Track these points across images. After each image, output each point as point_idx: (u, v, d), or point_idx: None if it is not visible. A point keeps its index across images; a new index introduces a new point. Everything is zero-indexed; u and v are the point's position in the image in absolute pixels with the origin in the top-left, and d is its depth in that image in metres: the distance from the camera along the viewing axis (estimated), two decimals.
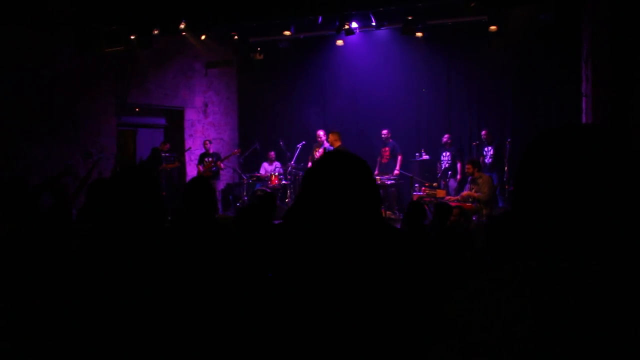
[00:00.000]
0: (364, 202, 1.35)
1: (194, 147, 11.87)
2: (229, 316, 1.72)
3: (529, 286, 0.89)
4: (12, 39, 8.51)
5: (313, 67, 12.01)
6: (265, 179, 10.70)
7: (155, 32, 9.36)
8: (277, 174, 10.57)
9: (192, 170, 11.75)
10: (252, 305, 1.59)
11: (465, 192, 8.48)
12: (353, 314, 1.26)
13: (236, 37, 10.83)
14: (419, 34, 10.03)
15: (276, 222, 4.43)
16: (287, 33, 10.42)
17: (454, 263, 3.47)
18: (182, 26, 9.28)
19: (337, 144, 9.72)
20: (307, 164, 10.56)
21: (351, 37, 10.03)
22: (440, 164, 10.15)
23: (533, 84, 10.22)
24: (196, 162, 11.46)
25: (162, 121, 12.27)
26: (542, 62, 10.01)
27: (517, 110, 10.37)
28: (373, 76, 11.40)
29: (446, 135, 10.27)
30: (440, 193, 8.96)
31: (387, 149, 10.45)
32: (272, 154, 11.25)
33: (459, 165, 9.97)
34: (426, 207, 6.05)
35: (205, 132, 12.18)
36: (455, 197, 8.50)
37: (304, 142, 10.73)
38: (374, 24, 9.71)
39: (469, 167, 8.28)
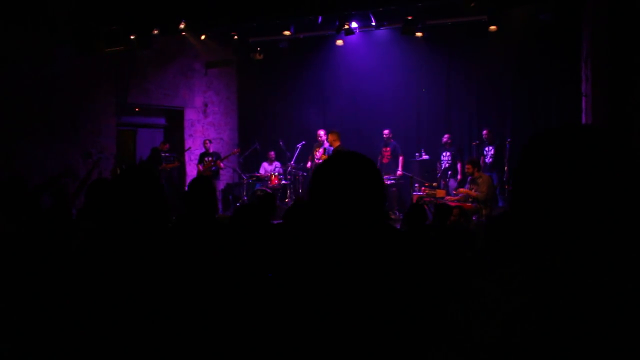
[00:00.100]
0: (372, 203, 1.35)
1: (193, 147, 11.87)
2: (229, 316, 1.72)
3: (528, 287, 0.89)
4: (12, 39, 8.51)
5: (313, 67, 12.01)
6: (265, 179, 10.70)
7: (155, 32, 9.36)
8: (277, 173, 10.57)
9: (192, 170, 11.75)
10: (252, 305, 1.59)
11: (461, 189, 8.51)
12: (355, 314, 1.26)
13: (236, 37, 10.83)
14: (418, 34, 10.03)
15: (276, 222, 4.42)
16: (286, 33, 10.42)
17: (455, 263, 3.47)
18: (181, 26, 9.28)
19: (336, 143, 9.73)
20: (307, 163, 10.56)
21: (351, 37, 10.02)
22: (440, 163, 10.15)
23: (533, 84, 10.23)
24: (196, 161, 11.46)
25: (162, 121, 12.27)
26: (541, 62, 10.01)
27: (517, 110, 10.38)
28: (373, 76, 11.39)
29: (446, 135, 10.27)
30: (440, 193, 8.97)
31: (388, 149, 10.45)
32: (272, 153, 11.25)
33: (459, 166, 9.98)
34: (426, 208, 6.05)
35: (205, 132, 12.17)
36: (456, 197, 8.50)
37: (303, 142, 10.73)
38: (373, 23, 9.71)
39: (468, 167, 8.29)
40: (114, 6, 8.93)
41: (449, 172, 10.00)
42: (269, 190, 10.03)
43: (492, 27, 9.55)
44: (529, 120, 10.06)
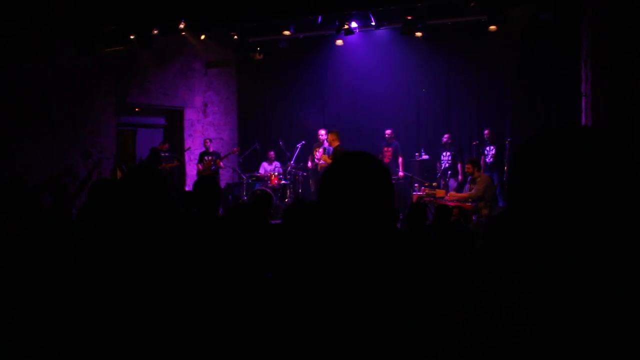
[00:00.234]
0: (383, 204, 1.35)
1: (193, 147, 11.87)
2: (228, 316, 1.73)
3: (527, 288, 0.89)
4: (11, 39, 8.51)
5: (313, 67, 12.00)
6: (264, 179, 10.71)
7: (155, 32, 9.36)
8: (276, 173, 10.57)
9: (191, 170, 11.76)
10: (250, 305, 1.59)
11: (452, 193, 8.58)
12: (358, 314, 1.26)
13: (236, 37, 10.83)
14: (418, 34, 10.04)
15: (274, 222, 4.43)
16: (286, 33, 10.42)
17: (455, 263, 3.47)
18: (181, 26, 9.28)
19: (336, 143, 9.75)
20: (307, 163, 10.57)
21: (351, 37, 10.02)
22: (440, 163, 10.16)
23: (533, 84, 10.23)
24: (196, 161, 11.47)
25: (161, 121, 12.27)
26: (541, 62, 10.02)
27: (516, 110, 10.39)
28: (373, 76, 11.40)
29: (446, 135, 10.27)
30: (440, 193, 8.98)
31: (389, 149, 10.46)
32: (272, 153, 11.26)
33: (459, 166, 9.99)
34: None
35: (205, 132, 12.18)
36: (462, 195, 8.48)
37: (303, 142, 10.73)
38: (373, 23, 9.72)
39: (468, 167, 8.31)
40: (113, 6, 8.93)
41: (449, 172, 10.01)
42: (268, 190, 10.05)
43: (492, 27, 9.56)
44: (529, 120, 10.07)
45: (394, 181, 9.71)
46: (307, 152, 10.64)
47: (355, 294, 1.27)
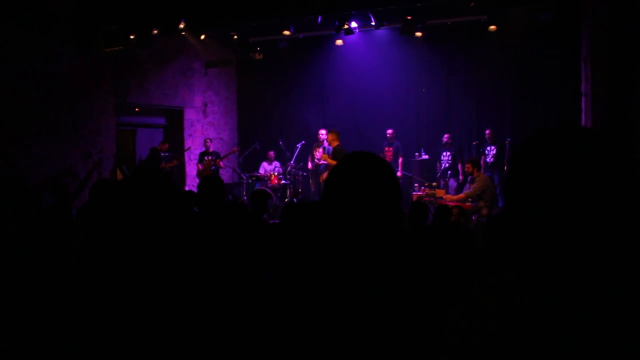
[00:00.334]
0: (390, 204, 1.34)
1: (193, 147, 11.87)
2: (228, 316, 1.72)
3: (526, 289, 0.89)
4: (11, 39, 8.51)
5: (312, 67, 12.01)
6: (264, 179, 10.71)
7: (155, 31, 9.36)
8: (276, 173, 10.58)
9: (191, 170, 11.76)
10: (250, 305, 1.59)
11: (446, 196, 8.62)
12: (359, 314, 1.26)
13: (236, 37, 10.83)
14: (418, 34, 10.04)
15: (272, 221, 4.43)
16: (286, 33, 10.42)
17: (455, 263, 3.47)
18: (181, 26, 9.27)
19: (335, 143, 9.76)
20: (308, 164, 10.57)
21: (351, 37, 10.02)
22: (440, 163, 10.16)
23: (533, 84, 10.24)
24: (196, 161, 11.47)
25: (161, 121, 12.27)
26: (541, 62, 10.02)
27: (516, 110, 10.39)
28: (373, 76, 11.40)
29: (446, 135, 10.28)
30: (440, 193, 8.99)
31: (391, 149, 10.46)
32: (272, 153, 11.26)
33: (459, 166, 10.00)
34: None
35: (205, 131, 12.18)
36: (457, 196, 8.50)
37: (303, 142, 10.74)
38: (373, 23, 9.72)
39: (468, 166, 8.33)
40: (113, 6, 8.92)
41: (449, 172, 10.02)
42: (268, 190, 10.04)
43: (492, 27, 9.56)
44: (529, 120, 10.07)
45: None
46: (307, 152, 10.65)
47: (360, 294, 1.27)
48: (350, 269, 1.31)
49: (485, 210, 7.87)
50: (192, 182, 11.62)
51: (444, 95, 11.16)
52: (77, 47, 9.15)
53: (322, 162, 10.00)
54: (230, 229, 3.10)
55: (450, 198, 8.46)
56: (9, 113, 8.55)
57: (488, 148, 9.87)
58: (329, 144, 9.90)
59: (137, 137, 12.09)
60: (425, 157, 10.39)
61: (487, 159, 9.79)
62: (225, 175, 11.88)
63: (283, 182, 10.52)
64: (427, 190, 9.09)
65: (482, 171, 8.58)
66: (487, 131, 9.95)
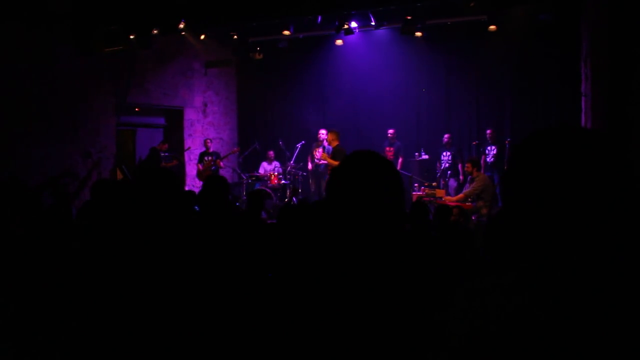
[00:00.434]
0: (393, 205, 1.34)
1: (193, 147, 11.87)
2: (227, 315, 1.73)
3: (525, 289, 0.89)
4: (11, 39, 8.50)
5: (312, 67, 12.01)
6: (264, 179, 10.71)
7: (155, 31, 9.35)
8: (276, 173, 10.58)
9: (191, 170, 11.76)
10: (248, 305, 1.59)
11: (445, 197, 8.61)
12: (360, 314, 1.26)
13: (235, 36, 10.83)
14: (418, 34, 10.04)
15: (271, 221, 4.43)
16: (286, 33, 10.42)
17: (455, 263, 3.48)
18: (181, 26, 9.28)
19: (335, 143, 9.76)
20: (308, 164, 10.58)
21: (350, 37, 10.02)
22: (440, 163, 10.17)
23: (532, 84, 10.24)
24: (195, 161, 11.47)
25: (161, 121, 12.27)
26: (541, 62, 10.02)
27: (516, 110, 10.40)
28: (372, 76, 11.40)
29: (446, 135, 10.29)
30: (440, 193, 8.99)
31: (392, 149, 10.46)
32: (272, 153, 11.26)
33: (460, 166, 10.01)
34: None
35: (205, 131, 12.18)
36: (456, 197, 8.52)
37: (303, 142, 10.74)
38: (373, 23, 9.71)
39: (468, 166, 8.34)
40: (113, 6, 8.92)
41: (449, 172, 10.02)
42: (268, 190, 10.03)
43: (492, 27, 9.55)
44: (529, 120, 10.07)
45: None
46: (307, 152, 10.65)
47: (360, 294, 1.27)
48: (350, 268, 1.31)
49: (485, 210, 7.88)
50: (192, 182, 11.62)
51: (444, 95, 11.16)
52: (77, 47, 9.15)
53: (322, 162, 10.00)
54: (228, 229, 3.11)
55: (449, 199, 8.46)
56: (9, 113, 8.54)
57: (489, 148, 9.88)
58: (329, 144, 9.91)
59: (137, 137, 12.09)
60: (425, 157, 10.39)
61: (488, 159, 9.80)
62: (225, 175, 11.86)
63: (283, 182, 10.52)
64: (427, 190, 9.09)
65: (482, 171, 8.59)
66: (489, 131, 9.97)
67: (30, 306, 1.99)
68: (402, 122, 11.18)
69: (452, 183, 9.96)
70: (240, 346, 1.49)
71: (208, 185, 3.26)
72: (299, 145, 10.69)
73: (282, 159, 11.07)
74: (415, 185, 9.64)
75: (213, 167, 10.93)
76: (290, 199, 9.99)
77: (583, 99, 8.35)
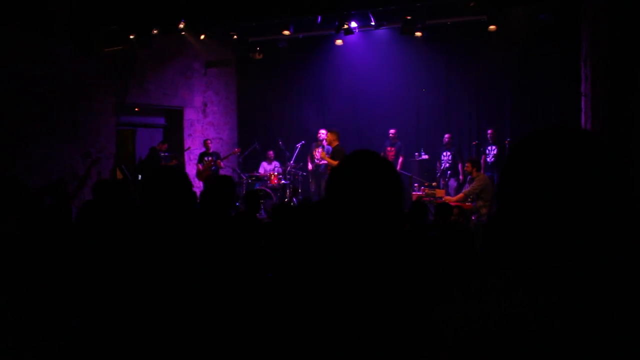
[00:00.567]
0: (392, 205, 1.34)
1: (193, 147, 11.87)
2: (227, 315, 1.72)
3: (524, 289, 0.89)
4: (11, 39, 8.50)
5: (312, 67, 12.01)
6: (264, 179, 10.72)
7: (155, 31, 9.35)
8: (276, 173, 10.58)
9: (191, 170, 11.75)
10: (247, 305, 1.59)
11: (445, 197, 8.61)
12: (360, 313, 1.26)
13: (235, 36, 10.82)
14: (418, 34, 10.04)
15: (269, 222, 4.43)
16: (286, 33, 10.41)
17: (455, 263, 3.48)
18: (181, 26, 9.27)
19: (335, 143, 9.76)
20: (307, 165, 10.58)
21: (350, 37, 10.02)
22: (440, 163, 10.17)
23: (533, 84, 10.25)
24: (195, 161, 11.47)
25: (161, 121, 12.27)
26: (541, 62, 10.03)
27: (516, 110, 10.40)
28: (372, 76, 11.40)
29: (447, 135, 10.29)
30: (440, 193, 8.99)
31: (393, 149, 10.47)
32: (271, 153, 11.27)
33: (460, 166, 10.01)
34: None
35: (205, 131, 12.17)
36: (456, 197, 8.52)
37: (303, 142, 10.74)
38: (373, 23, 9.71)
39: (468, 166, 8.35)
40: (113, 6, 8.92)
41: (449, 172, 10.03)
42: (268, 190, 10.02)
43: (492, 27, 9.55)
44: (529, 120, 10.08)
45: None
46: (307, 152, 10.65)
47: (359, 293, 1.27)
48: (349, 268, 1.31)
49: (485, 209, 7.88)
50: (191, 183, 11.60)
51: (444, 95, 11.16)
52: (77, 47, 9.15)
53: (322, 162, 10.00)
54: (227, 229, 3.11)
55: (449, 199, 8.46)
56: (9, 113, 8.54)
57: (489, 148, 9.89)
58: (329, 144, 9.90)
59: (136, 137, 12.08)
60: (425, 157, 10.40)
61: (488, 159, 9.81)
62: (225, 175, 11.87)
63: (283, 182, 10.52)
64: (427, 190, 9.10)
65: (482, 171, 8.59)
66: (489, 131, 9.98)
67: (31, 306, 1.99)
68: (402, 122, 11.18)
69: (452, 183, 9.96)
70: (240, 346, 1.49)
71: (215, 184, 3.26)
72: (298, 145, 10.69)
73: (282, 159, 11.07)
74: (415, 185, 9.64)
75: (213, 167, 10.93)
76: (290, 199, 9.99)
77: (583, 99, 8.35)
